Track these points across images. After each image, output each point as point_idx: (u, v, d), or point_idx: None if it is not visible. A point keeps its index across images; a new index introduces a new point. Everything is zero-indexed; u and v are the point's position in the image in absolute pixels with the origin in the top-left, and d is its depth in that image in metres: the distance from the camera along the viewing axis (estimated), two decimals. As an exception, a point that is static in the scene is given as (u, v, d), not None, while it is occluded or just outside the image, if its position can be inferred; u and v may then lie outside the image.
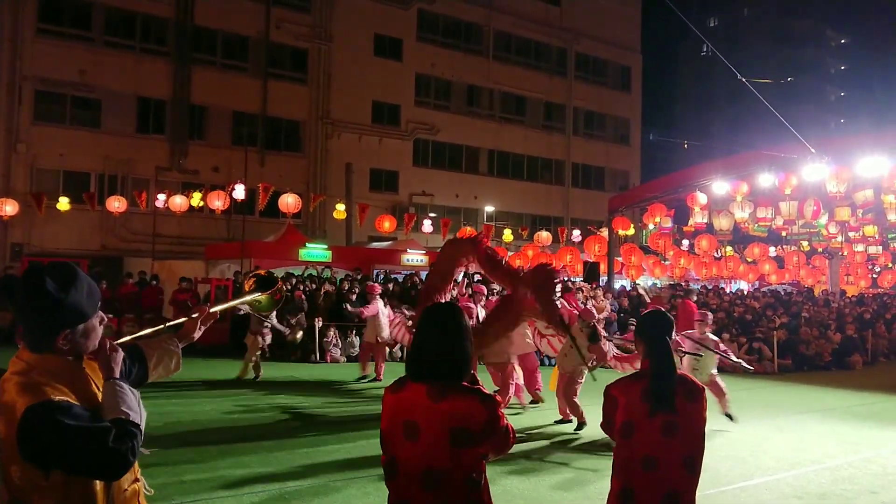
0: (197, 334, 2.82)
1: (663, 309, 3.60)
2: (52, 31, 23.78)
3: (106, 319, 2.29)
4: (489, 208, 31.13)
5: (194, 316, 2.81)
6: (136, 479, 2.30)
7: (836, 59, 60.31)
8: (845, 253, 27.37)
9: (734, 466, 7.17)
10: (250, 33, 27.42)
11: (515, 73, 34.59)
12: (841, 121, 56.84)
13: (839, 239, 24.47)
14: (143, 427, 2.15)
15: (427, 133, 31.80)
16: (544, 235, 24.97)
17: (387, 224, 22.06)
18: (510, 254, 22.89)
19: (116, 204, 20.91)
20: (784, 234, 24.54)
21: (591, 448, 7.86)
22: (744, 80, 13.36)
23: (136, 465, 2.30)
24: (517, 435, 2.72)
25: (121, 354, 2.25)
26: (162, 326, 2.92)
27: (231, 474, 6.36)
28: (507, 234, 27.33)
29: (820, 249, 27.61)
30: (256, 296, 3.19)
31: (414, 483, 2.46)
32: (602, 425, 3.25)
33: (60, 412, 1.99)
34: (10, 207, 19.50)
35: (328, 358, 15.04)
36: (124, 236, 23.97)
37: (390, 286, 17.39)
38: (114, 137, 24.52)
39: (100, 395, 2.18)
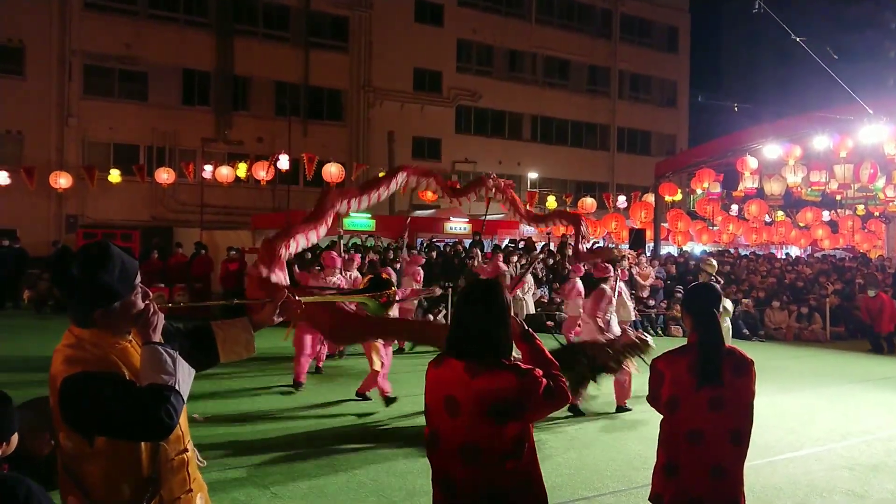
0: (276, 320, 2.77)
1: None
2: (98, 4, 24.09)
3: (151, 294, 2.26)
4: (533, 175, 30.81)
5: (272, 300, 2.72)
6: (185, 449, 2.29)
7: (895, 14, 57.57)
8: (902, 217, 26.47)
9: (783, 437, 7.06)
10: (291, 2, 27.36)
11: (558, 36, 33.89)
12: (900, 79, 54.43)
13: (896, 202, 23.66)
14: (184, 388, 2.10)
15: (469, 99, 31.51)
16: (589, 202, 24.67)
17: (430, 192, 21.96)
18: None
19: (165, 175, 21.30)
20: (838, 198, 23.77)
21: (639, 416, 7.83)
22: (796, 38, 12.90)
23: (187, 435, 2.32)
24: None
25: (160, 318, 2.21)
26: (228, 302, 3.02)
27: (280, 441, 6.51)
28: (551, 201, 27.03)
29: (876, 213, 26.65)
30: (364, 297, 3.11)
31: (454, 457, 2.48)
32: (648, 399, 3.22)
33: (94, 380, 2.04)
34: (65, 180, 20.04)
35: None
36: (173, 207, 24.45)
37: (433, 254, 17.44)
38: (160, 110, 24.89)
39: None
